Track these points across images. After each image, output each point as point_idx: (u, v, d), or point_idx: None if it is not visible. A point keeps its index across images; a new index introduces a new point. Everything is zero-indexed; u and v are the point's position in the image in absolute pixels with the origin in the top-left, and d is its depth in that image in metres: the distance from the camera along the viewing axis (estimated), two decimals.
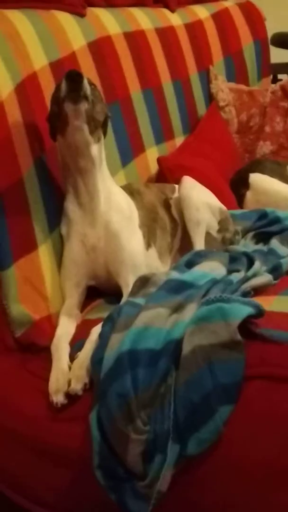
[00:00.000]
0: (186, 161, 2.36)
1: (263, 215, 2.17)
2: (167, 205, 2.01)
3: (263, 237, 2.08)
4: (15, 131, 1.66)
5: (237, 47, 3.29)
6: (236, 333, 1.35)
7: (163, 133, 2.52)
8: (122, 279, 1.74)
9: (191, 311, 1.46)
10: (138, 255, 1.78)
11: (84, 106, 1.59)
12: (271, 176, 2.51)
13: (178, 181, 2.06)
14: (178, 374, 1.36)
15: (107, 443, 1.38)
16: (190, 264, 1.74)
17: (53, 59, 1.91)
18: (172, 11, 2.86)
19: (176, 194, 2.04)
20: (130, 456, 1.35)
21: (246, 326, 1.40)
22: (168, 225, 1.98)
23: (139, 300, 1.57)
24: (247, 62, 3.35)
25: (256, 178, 2.50)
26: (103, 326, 1.53)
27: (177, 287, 1.58)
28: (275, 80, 3.74)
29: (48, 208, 1.74)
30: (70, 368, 1.51)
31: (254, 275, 1.71)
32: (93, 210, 1.73)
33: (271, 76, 3.69)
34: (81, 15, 2.16)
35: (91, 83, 1.65)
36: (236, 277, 1.68)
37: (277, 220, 2.13)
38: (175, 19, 2.84)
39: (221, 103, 2.98)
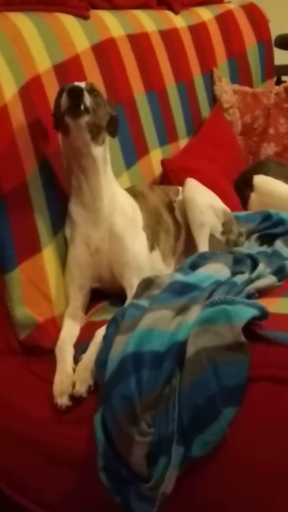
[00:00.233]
0: (190, 163, 2.36)
1: (267, 216, 2.17)
2: (171, 208, 2.01)
3: (267, 238, 2.08)
4: (19, 133, 1.66)
5: (240, 49, 3.29)
6: (240, 335, 1.35)
7: (167, 135, 2.52)
8: (126, 281, 1.74)
9: (195, 313, 1.46)
10: (142, 257, 1.78)
11: (84, 120, 1.60)
12: (275, 177, 2.51)
13: (182, 183, 2.06)
14: (183, 376, 1.36)
15: (111, 445, 1.38)
16: (194, 266, 1.74)
17: (57, 61, 1.91)
18: (176, 13, 2.86)
19: (180, 197, 2.04)
20: (134, 458, 1.35)
21: (250, 328, 1.40)
22: (171, 227, 1.98)
23: (143, 302, 1.57)
24: (250, 64, 3.35)
25: (260, 180, 2.50)
26: (107, 328, 1.53)
27: (181, 289, 1.58)
28: (279, 82, 3.74)
29: (52, 210, 1.74)
30: (74, 370, 1.52)
31: (258, 277, 1.71)
32: (97, 212, 1.73)
33: (275, 78, 3.69)
34: (85, 17, 2.16)
35: (94, 90, 1.66)
36: (240, 279, 1.68)
37: (281, 221, 2.13)
38: (179, 21, 2.84)
39: (225, 105, 2.98)
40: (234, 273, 1.73)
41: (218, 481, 1.36)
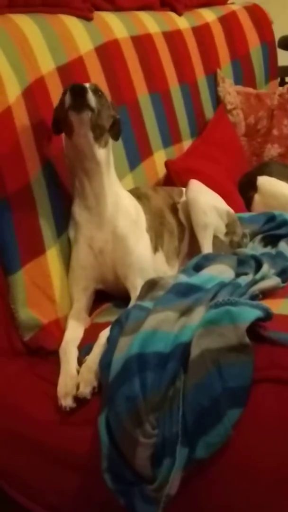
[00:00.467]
0: (194, 164, 2.36)
1: (271, 218, 2.17)
2: (174, 209, 2.01)
3: (271, 240, 2.08)
4: (22, 135, 1.66)
5: (244, 50, 3.29)
6: (244, 336, 1.35)
7: (170, 137, 2.52)
8: (130, 283, 1.74)
9: (199, 314, 1.46)
10: (146, 259, 1.78)
11: (87, 115, 1.60)
12: (279, 178, 2.51)
13: (185, 185, 2.06)
14: (187, 378, 1.36)
15: (115, 447, 1.38)
16: (198, 268, 1.74)
17: (60, 63, 1.91)
18: (179, 14, 2.86)
19: (183, 198, 2.04)
20: (138, 460, 1.35)
21: (254, 329, 1.39)
22: (175, 229, 1.98)
23: (147, 303, 1.57)
24: (254, 65, 3.35)
25: (264, 181, 2.50)
26: (111, 329, 1.53)
27: (185, 291, 1.58)
28: (282, 83, 3.74)
29: (56, 212, 1.74)
30: (78, 372, 1.51)
31: (262, 278, 1.71)
32: (100, 214, 1.73)
33: (279, 79, 3.69)
34: (88, 19, 2.17)
35: (98, 90, 1.66)
36: (244, 280, 1.67)
37: (285, 223, 2.12)
38: (182, 22, 2.85)
39: (229, 106, 2.98)
40: (238, 274, 1.73)
41: (222, 482, 1.36)
